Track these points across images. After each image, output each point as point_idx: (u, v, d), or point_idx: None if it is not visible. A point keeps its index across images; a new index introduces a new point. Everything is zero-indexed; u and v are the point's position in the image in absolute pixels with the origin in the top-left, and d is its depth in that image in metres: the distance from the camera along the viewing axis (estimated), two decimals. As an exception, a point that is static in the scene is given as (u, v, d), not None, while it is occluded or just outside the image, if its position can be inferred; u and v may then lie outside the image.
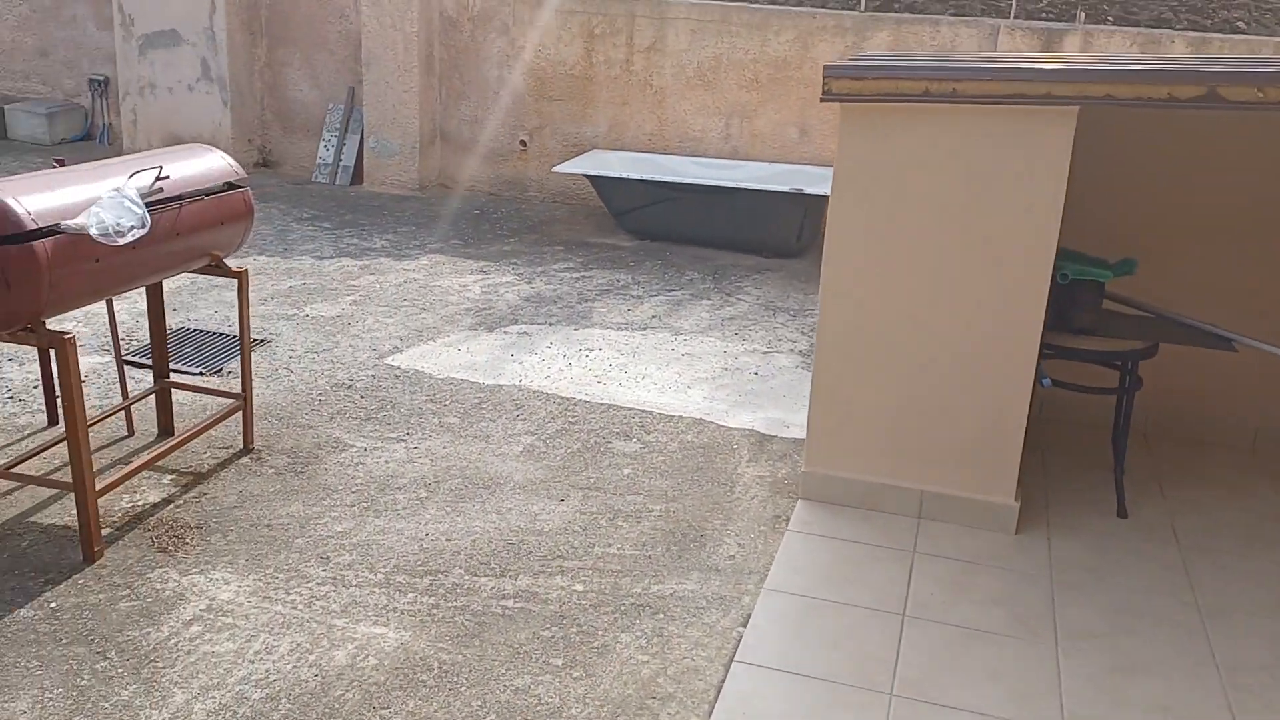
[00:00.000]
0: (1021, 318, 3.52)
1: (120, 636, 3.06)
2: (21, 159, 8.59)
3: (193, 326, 5.45)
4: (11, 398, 4.56)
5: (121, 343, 5.18)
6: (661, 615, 3.25)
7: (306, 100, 8.91)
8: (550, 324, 5.79)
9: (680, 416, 4.71)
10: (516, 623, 3.19)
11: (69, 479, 3.43)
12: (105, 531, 3.60)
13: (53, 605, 3.20)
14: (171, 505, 3.80)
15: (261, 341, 5.31)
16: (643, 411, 4.74)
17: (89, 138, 9.63)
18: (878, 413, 3.73)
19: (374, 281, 6.32)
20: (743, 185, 7.06)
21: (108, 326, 5.32)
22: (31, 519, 3.68)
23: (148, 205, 3.38)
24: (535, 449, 4.35)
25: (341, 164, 8.77)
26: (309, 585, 3.35)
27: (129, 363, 4.95)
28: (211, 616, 3.17)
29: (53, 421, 4.31)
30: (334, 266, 6.55)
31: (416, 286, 6.27)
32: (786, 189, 6.96)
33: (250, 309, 5.70)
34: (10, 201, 3.03)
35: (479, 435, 4.45)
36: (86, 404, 4.53)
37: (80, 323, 5.44)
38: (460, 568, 3.48)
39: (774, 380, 5.17)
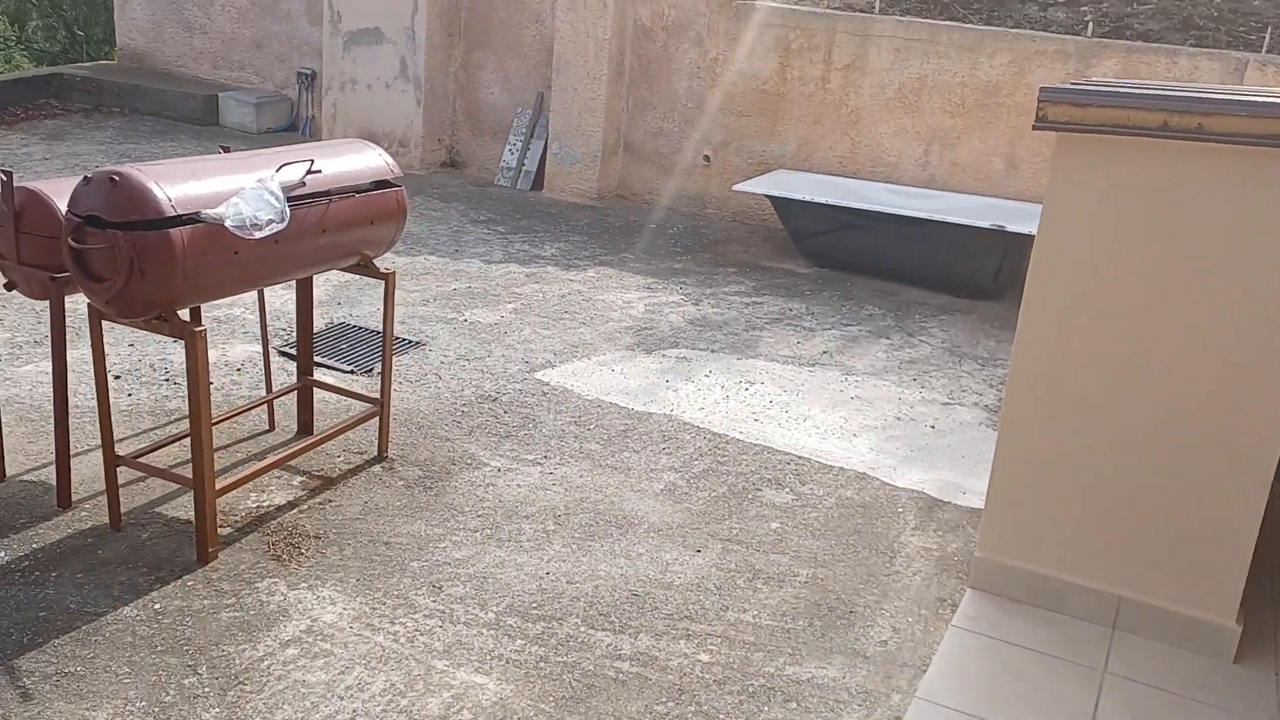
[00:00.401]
0: (1264, 401, 2.92)
1: (215, 650, 2.90)
2: (227, 145, 8.92)
3: (352, 323, 5.39)
4: (168, 380, 4.58)
5: (283, 333, 5.16)
6: (794, 705, 2.84)
7: (496, 103, 8.89)
8: (712, 351, 5.44)
9: (841, 468, 4.27)
10: (629, 691, 2.85)
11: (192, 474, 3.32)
12: (225, 531, 3.49)
13: (156, 607, 3.08)
14: (295, 510, 3.66)
15: (416, 344, 5.19)
16: (800, 458, 4.32)
17: (292, 129, 9.95)
18: (1072, 495, 3.20)
19: (537, 290, 6.14)
20: (938, 217, 6.52)
21: (280, 318, 5.32)
22: (159, 509, 3.60)
23: (295, 199, 3.23)
24: (677, 488, 4.01)
25: (524, 169, 8.70)
26: (415, 616, 3.11)
27: (284, 354, 4.92)
28: (310, 640, 2.97)
29: (199, 409, 4.27)
30: (501, 271, 6.42)
31: (579, 299, 6.05)
32: (986, 224, 6.38)
33: (410, 310, 5.62)
34: (153, 187, 2.92)
35: (619, 466, 4.14)
36: (236, 393, 4.49)
37: (247, 309, 5.46)
38: (577, 617, 3.16)
39: (953, 436, 4.65)
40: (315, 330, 5.20)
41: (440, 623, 3.09)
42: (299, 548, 3.43)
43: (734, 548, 3.61)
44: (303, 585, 3.23)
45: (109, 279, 2.96)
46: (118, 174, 2.91)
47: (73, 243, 2.95)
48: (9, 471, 3.69)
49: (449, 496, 3.82)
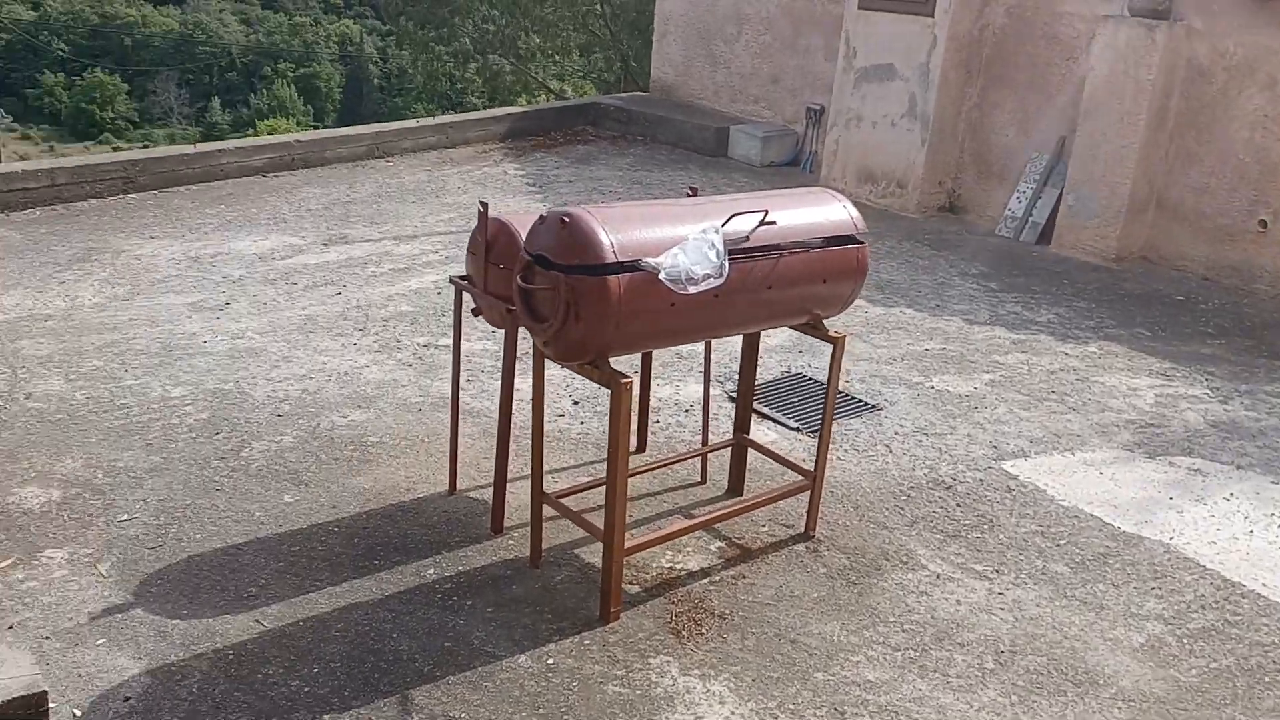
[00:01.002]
0: None
1: (589, 728, 2.71)
2: (728, 176, 9.11)
3: (810, 375, 5.08)
4: (621, 412, 4.58)
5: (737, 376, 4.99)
6: None
7: (1009, 146, 8.14)
8: (1239, 466, 4.36)
9: None
10: None
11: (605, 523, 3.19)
12: (634, 590, 3.32)
13: (550, 662, 2.97)
14: (706, 579, 3.40)
15: (872, 408, 4.74)
16: (1350, 639, 3.25)
17: (795, 163, 9.94)
18: None
19: (1023, 361, 5.39)
20: None
21: (738, 360, 5.18)
22: (578, 550, 3.54)
23: (742, 252, 2.97)
24: (1163, 646, 3.17)
25: (1031, 219, 7.86)
26: (805, 744, 2.69)
27: (735, 399, 4.73)
28: (687, 741, 2.68)
29: (640, 448, 4.20)
30: (983, 335, 5.75)
31: (1072, 378, 5.21)
32: None
33: (873, 367, 5.18)
34: (599, 231, 2.80)
35: (1090, 601, 3.38)
36: (679, 436, 4.37)
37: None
38: (1001, 797, 2.55)
39: None
40: (770, 379, 4.97)
41: (832, 759, 2.65)
42: (701, 625, 3.17)
43: (1233, 752, 2.74)
44: (695, 671, 2.95)
45: (548, 320, 2.89)
46: (569, 215, 2.83)
47: (520, 281, 2.93)
48: (460, 485, 3.85)
49: (873, 599, 3.34)
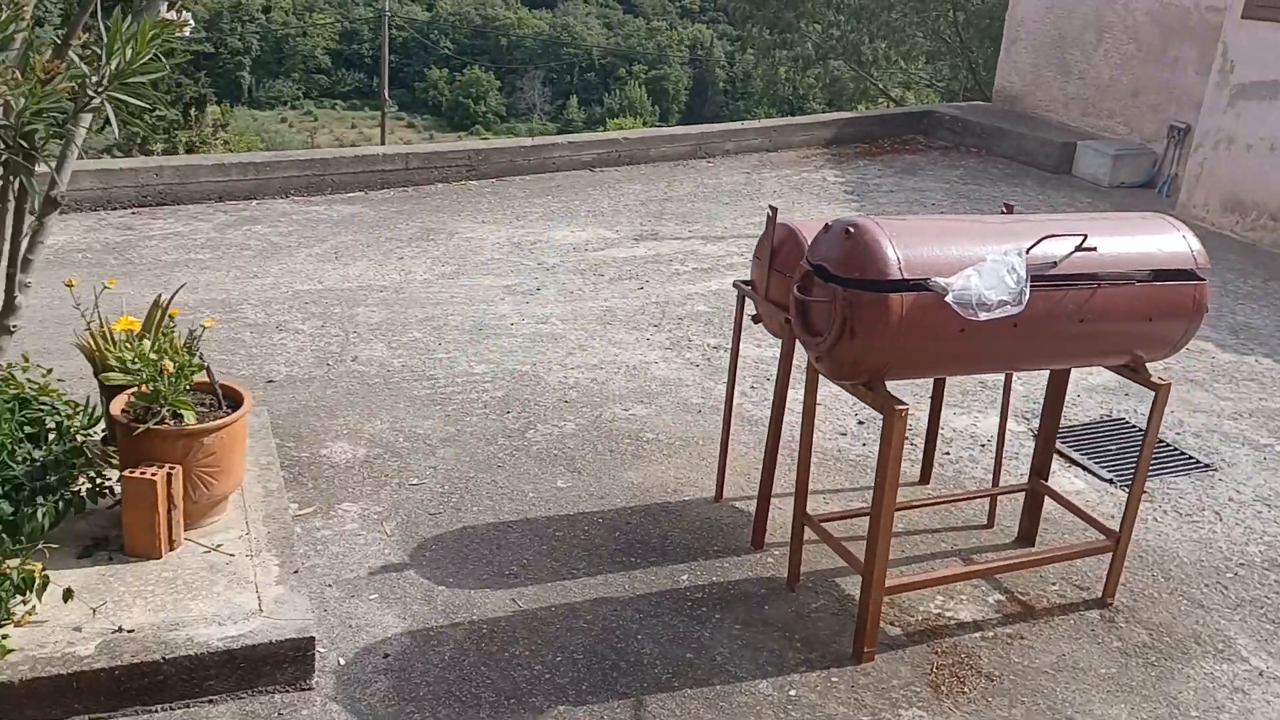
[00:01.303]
0: None
1: (821, 773, 2.54)
2: (1070, 196, 8.40)
3: (1133, 422, 4.53)
4: (910, 438, 4.31)
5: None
6: None
7: None
8: None
9: None
10: None
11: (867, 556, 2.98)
12: (894, 631, 3.09)
13: (792, 694, 2.82)
14: (978, 634, 3.10)
15: (1204, 467, 4.15)
16: None
17: (1149, 186, 9.00)
18: None
19: None
20: None
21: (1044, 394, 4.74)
22: (839, 578, 3.35)
23: (1049, 279, 2.66)
24: None
25: None
26: (1064, 841, 2.37)
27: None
28: (926, 809, 2.44)
29: (923, 480, 3.93)
30: (1361, 398, 4.89)
31: None
32: None
33: (1211, 421, 4.55)
34: (886, 245, 2.61)
35: None
36: (969, 471, 4.05)
37: (1021, 380, 4.94)
38: None
39: None
40: (1086, 421, 4.50)
41: None
42: (964, 683, 2.89)
43: None
44: (947, 733, 2.69)
45: (822, 335, 2.74)
46: (854, 225, 2.66)
47: (797, 291, 2.79)
48: (726, 494, 3.77)
49: (1175, 686, 2.90)
